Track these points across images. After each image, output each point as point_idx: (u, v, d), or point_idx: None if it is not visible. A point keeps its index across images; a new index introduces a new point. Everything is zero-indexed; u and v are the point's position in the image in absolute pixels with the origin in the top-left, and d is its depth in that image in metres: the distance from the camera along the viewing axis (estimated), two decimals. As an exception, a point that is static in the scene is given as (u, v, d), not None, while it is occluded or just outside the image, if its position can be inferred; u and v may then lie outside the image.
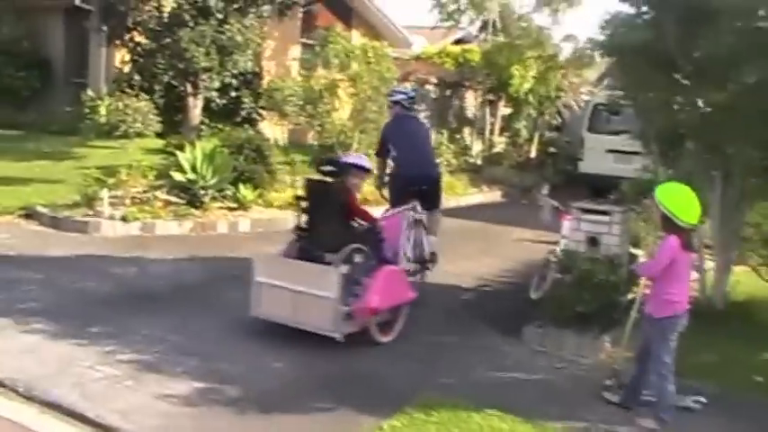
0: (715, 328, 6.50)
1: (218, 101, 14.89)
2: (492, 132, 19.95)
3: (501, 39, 19.08)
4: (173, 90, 14.46)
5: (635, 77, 6.61)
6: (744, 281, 7.18)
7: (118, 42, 13.59)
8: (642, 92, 6.69)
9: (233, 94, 15.29)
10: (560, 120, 21.21)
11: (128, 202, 10.05)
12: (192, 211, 10.23)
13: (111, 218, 9.63)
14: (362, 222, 6.40)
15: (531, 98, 18.71)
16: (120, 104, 12.20)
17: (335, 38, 14.13)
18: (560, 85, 19.17)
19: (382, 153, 8.05)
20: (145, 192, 10.48)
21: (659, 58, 6.36)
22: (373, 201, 9.43)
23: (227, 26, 12.68)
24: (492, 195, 16.50)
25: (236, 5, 12.96)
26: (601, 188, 16.42)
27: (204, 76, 13.03)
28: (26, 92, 16.91)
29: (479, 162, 18.71)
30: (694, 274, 7.10)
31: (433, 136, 18.11)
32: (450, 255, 8.99)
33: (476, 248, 10.40)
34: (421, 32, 22.58)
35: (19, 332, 5.88)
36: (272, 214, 10.93)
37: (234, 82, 14.48)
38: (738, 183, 6.60)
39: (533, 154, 19.74)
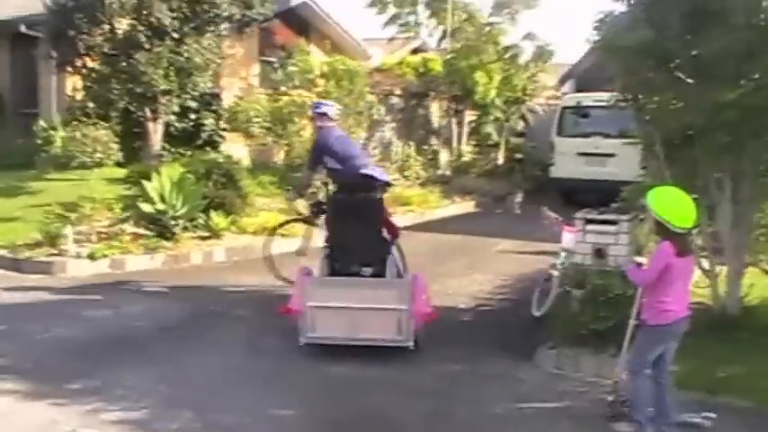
0: (734, 337, 6.19)
1: (177, 125, 14.32)
2: (459, 141, 19.64)
3: (455, 44, 18.81)
4: (129, 116, 13.83)
5: (637, 79, 6.28)
6: (757, 284, 6.86)
7: (69, 69, 12.96)
8: (646, 93, 6.37)
9: (193, 116, 14.72)
10: (524, 124, 21.00)
11: (93, 238, 9.44)
12: (163, 242, 9.65)
13: (78, 256, 9.03)
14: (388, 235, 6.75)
15: (497, 102, 18.45)
16: (78, 134, 11.56)
17: (301, 55, 13.65)
18: (525, 88, 18.96)
19: (315, 166, 7.77)
20: (111, 226, 9.87)
21: (662, 57, 6.05)
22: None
23: (185, 46, 12.16)
24: (465, 206, 16.12)
25: (192, 24, 12.44)
26: (573, 192, 16.28)
27: (163, 100, 12.46)
28: (-30, 126, 16.02)
29: (448, 172, 18.36)
30: (705, 280, 6.82)
31: (401, 148, 17.88)
32: (437, 272, 8.64)
33: (461, 264, 9.99)
34: (376, 44, 22.23)
35: (-13, 395, 5.30)
36: (247, 241, 10.37)
37: (193, 104, 13.92)
38: (750, 183, 6.29)
39: (501, 161, 19.47)
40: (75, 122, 12.38)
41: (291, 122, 12.51)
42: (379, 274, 6.42)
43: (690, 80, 6.08)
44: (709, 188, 6.42)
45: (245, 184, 11.44)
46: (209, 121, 15.27)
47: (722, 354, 5.87)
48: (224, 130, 15.51)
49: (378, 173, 7.19)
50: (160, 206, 9.75)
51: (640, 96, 6.45)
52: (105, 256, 9.08)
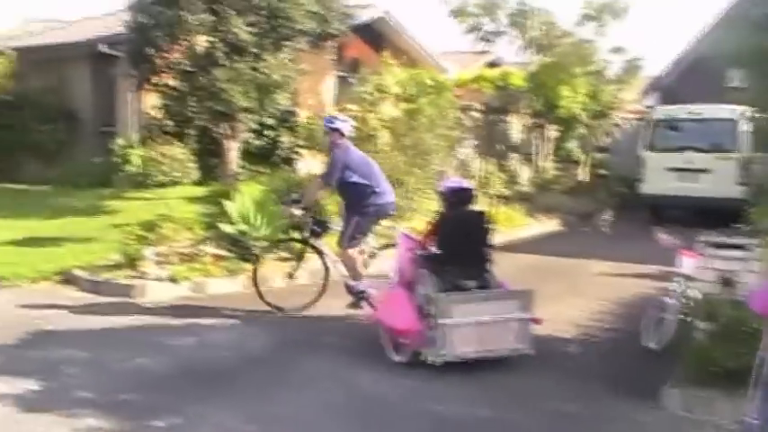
0: None
1: (254, 142, 14.06)
2: (541, 157, 18.95)
3: (543, 58, 18.09)
4: (205, 134, 13.63)
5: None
6: None
7: (147, 87, 12.83)
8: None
9: (270, 133, 14.45)
10: (608, 139, 20.22)
11: (174, 259, 9.09)
12: (244, 265, 9.25)
13: (158, 279, 8.70)
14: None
15: (583, 117, 17.71)
16: (154, 153, 11.33)
17: (386, 71, 13.18)
18: (612, 102, 18.18)
19: (332, 180, 7.71)
20: (191, 246, 9.50)
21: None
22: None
23: (263, 63, 11.86)
24: (549, 224, 15.42)
25: (269, 40, 12.14)
26: (663, 209, 15.48)
27: (242, 117, 12.18)
28: (52, 145, 16.08)
29: (530, 189, 17.68)
30: None
31: (481, 164, 17.28)
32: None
33: (558, 288, 9.33)
34: (448, 57, 21.70)
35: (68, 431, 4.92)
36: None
37: (271, 121, 13.64)
38: None
39: (584, 177, 18.71)
40: (151, 141, 12.19)
41: (375, 138, 12.02)
42: (483, 286, 6.44)
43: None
44: None
45: (326, 202, 11.02)
46: (285, 139, 15.00)
47: None
48: (300, 146, 15.22)
49: (467, 184, 6.90)
50: (242, 226, 9.39)
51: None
52: (187, 278, 8.74)
